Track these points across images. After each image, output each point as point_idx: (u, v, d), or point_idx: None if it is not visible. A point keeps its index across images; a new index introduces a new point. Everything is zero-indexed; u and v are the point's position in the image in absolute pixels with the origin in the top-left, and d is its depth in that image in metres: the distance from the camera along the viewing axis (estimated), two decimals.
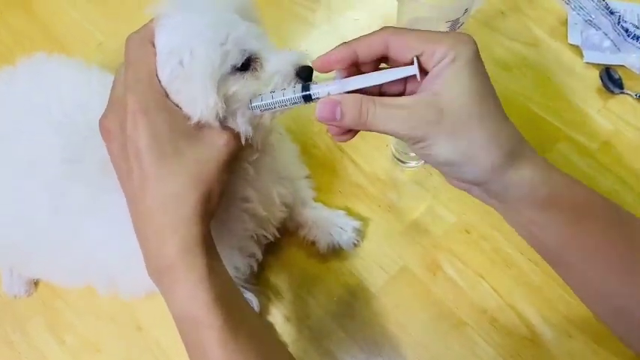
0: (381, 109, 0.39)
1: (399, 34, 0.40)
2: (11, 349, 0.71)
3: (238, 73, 0.44)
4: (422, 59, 0.39)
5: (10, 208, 0.57)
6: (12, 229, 0.57)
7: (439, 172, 0.44)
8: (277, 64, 0.45)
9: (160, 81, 0.43)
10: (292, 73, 0.45)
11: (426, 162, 0.42)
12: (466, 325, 0.66)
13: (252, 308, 0.46)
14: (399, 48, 0.40)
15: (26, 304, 0.73)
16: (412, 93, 0.41)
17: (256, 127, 0.46)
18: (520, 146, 0.40)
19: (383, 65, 0.43)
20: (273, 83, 0.45)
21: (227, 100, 0.43)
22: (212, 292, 0.41)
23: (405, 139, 0.40)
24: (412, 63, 0.39)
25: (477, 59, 0.38)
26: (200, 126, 0.43)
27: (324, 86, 0.42)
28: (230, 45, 0.43)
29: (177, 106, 0.43)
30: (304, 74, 0.45)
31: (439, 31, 0.40)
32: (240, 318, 0.43)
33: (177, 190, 0.41)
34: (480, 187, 0.42)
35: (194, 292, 0.41)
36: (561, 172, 0.41)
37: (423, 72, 0.39)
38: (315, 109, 0.41)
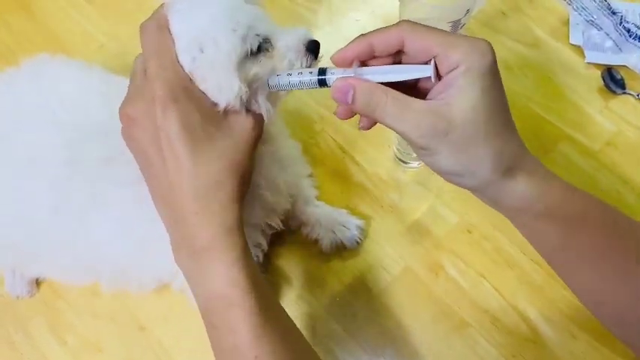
0: (392, 107, 0.39)
1: (416, 32, 0.39)
2: (13, 349, 0.71)
3: (253, 56, 0.45)
4: (437, 59, 0.39)
5: (12, 207, 0.57)
6: (15, 228, 0.57)
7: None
8: (287, 42, 0.47)
9: (183, 68, 0.43)
10: (302, 48, 0.48)
11: (425, 164, 0.43)
12: (468, 325, 0.66)
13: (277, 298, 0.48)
14: (415, 46, 0.40)
15: (28, 304, 0.73)
16: (424, 89, 0.41)
17: (274, 104, 0.48)
18: (521, 160, 0.40)
19: None
20: (287, 60, 0.47)
21: (248, 82, 0.45)
22: (246, 272, 0.42)
23: (409, 141, 0.40)
24: (428, 62, 0.40)
25: (491, 72, 0.38)
26: (227, 112, 0.44)
27: (340, 72, 0.42)
28: (244, 30, 0.44)
29: (203, 93, 0.43)
30: (312, 47, 0.48)
31: (457, 35, 0.39)
32: (268, 305, 0.44)
33: (214, 175, 0.42)
34: (475, 193, 0.43)
35: (230, 271, 0.42)
36: (561, 181, 0.42)
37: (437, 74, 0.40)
38: (331, 88, 0.42)
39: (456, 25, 0.68)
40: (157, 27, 0.44)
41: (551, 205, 0.41)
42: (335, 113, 0.44)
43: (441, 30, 0.39)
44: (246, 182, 0.45)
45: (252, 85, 0.45)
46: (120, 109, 0.44)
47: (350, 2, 0.89)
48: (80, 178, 0.52)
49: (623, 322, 0.42)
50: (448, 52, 0.38)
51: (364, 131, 0.46)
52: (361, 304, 0.69)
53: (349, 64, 0.41)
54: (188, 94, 0.42)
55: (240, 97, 0.44)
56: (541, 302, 0.66)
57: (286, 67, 0.47)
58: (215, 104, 0.43)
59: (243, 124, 0.45)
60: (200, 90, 0.43)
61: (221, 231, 0.42)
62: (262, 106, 0.47)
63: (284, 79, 0.46)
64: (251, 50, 0.45)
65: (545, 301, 0.66)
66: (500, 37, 0.82)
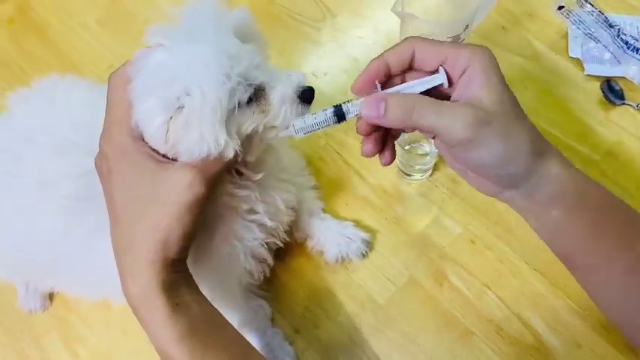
0: (431, 106, 0.40)
1: (424, 42, 0.42)
2: None
3: (245, 106, 0.45)
4: (446, 65, 0.41)
5: (24, 224, 0.58)
6: (27, 244, 0.58)
7: (469, 176, 0.45)
8: (282, 93, 0.46)
9: (133, 125, 0.43)
10: (295, 97, 0.47)
11: (462, 164, 0.44)
12: (473, 334, 0.67)
13: (233, 332, 0.48)
14: (426, 53, 0.42)
15: (40, 318, 0.75)
16: (440, 97, 0.42)
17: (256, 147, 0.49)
18: (550, 148, 0.42)
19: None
20: (282, 117, 0.46)
21: (241, 137, 0.45)
22: (176, 329, 0.42)
23: (450, 138, 0.40)
24: (436, 71, 0.42)
25: (499, 69, 0.41)
26: (166, 167, 0.43)
27: (357, 103, 0.43)
28: (235, 81, 0.42)
29: (147, 150, 0.43)
30: (306, 97, 0.47)
31: (460, 43, 0.42)
32: (212, 349, 0.44)
33: (133, 237, 0.43)
34: (512, 188, 0.43)
35: (159, 329, 0.42)
36: (583, 173, 0.43)
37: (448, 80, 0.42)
38: (361, 108, 0.42)
39: (456, 40, 0.70)
40: (118, 80, 0.45)
41: (583, 191, 0.42)
42: (362, 152, 0.45)
43: (445, 40, 0.42)
44: (173, 243, 0.42)
45: (252, 138, 0.46)
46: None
47: (353, 20, 0.91)
48: (89, 201, 0.51)
49: None
50: (456, 52, 0.40)
51: (387, 166, 0.46)
52: (367, 314, 0.70)
53: (371, 88, 0.43)
54: (128, 150, 0.43)
55: (235, 149, 0.43)
56: (545, 311, 0.67)
57: (282, 124, 0.46)
58: (157, 161, 0.43)
59: (178, 181, 0.42)
60: (144, 148, 0.43)
61: (142, 292, 0.42)
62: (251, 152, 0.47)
63: (301, 124, 0.44)
64: (239, 103, 0.43)
65: (549, 309, 0.67)
66: (500, 51, 0.84)
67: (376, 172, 0.78)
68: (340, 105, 0.43)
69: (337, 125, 0.44)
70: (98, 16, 0.99)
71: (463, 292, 0.69)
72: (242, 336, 0.49)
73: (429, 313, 0.69)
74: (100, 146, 0.45)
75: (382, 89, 0.43)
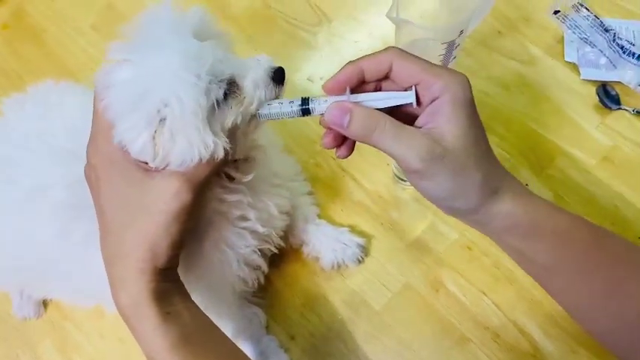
0: (391, 130, 0.40)
1: (403, 58, 0.42)
2: None
3: (223, 103, 0.44)
4: (419, 87, 0.41)
5: (17, 231, 0.58)
6: (20, 251, 0.58)
7: (426, 199, 0.46)
8: (253, 78, 0.46)
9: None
10: (269, 80, 0.46)
11: (416, 188, 0.44)
12: (469, 341, 0.67)
13: (225, 341, 0.48)
14: (402, 71, 0.42)
15: (35, 325, 0.75)
16: (403, 118, 0.42)
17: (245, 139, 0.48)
18: (507, 183, 0.42)
19: None
20: (257, 100, 0.46)
21: (227, 133, 0.45)
22: (168, 338, 0.42)
23: (404, 166, 0.41)
24: (410, 89, 0.42)
25: (472, 101, 0.41)
26: (154, 175, 0.43)
27: (324, 102, 0.43)
28: (206, 80, 0.42)
29: (132, 160, 0.43)
30: (278, 76, 0.47)
31: (439, 65, 0.42)
32: (203, 358, 0.44)
33: (122, 247, 0.43)
34: (465, 217, 0.44)
35: (151, 339, 0.42)
36: (545, 201, 0.43)
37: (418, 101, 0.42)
38: (325, 111, 0.42)
39: (451, 45, 0.69)
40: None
41: (537, 222, 0.42)
42: (322, 144, 0.44)
43: (425, 60, 0.42)
44: (161, 252, 0.42)
45: (235, 133, 0.45)
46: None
47: (348, 25, 0.91)
48: (82, 208, 0.50)
49: (615, 336, 0.43)
50: (431, 79, 0.40)
51: (342, 159, 0.47)
52: (362, 321, 0.70)
53: (342, 90, 0.42)
54: (114, 160, 0.43)
55: (224, 148, 0.43)
56: (541, 317, 0.66)
57: (258, 107, 0.46)
58: (143, 165, 0.43)
59: (165, 190, 0.42)
60: (131, 156, 0.42)
61: (132, 302, 0.42)
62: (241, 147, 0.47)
63: (266, 110, 0.46)
64: (217, 101, 0.43)
65: (544, 316, 0.66)
66: (496, 56, 0.84)
67: (372, 178, 0.78)
68: (308, 100, 0.44)
69: (302, 117, 0.45)
70: (93, 21, 0.99)
71: (459, 299, 0.69)
72: (235, 344, 0.48)
73: (425, 320, 0.68)
74: (87, 156, 0.45)
75: (352, 93, 0.42)
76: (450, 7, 0.71)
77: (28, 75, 0.96)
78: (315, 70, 0.87)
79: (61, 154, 0.56)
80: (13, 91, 0.66)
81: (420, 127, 0.41)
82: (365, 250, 0.73)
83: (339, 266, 0.72)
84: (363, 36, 0.90)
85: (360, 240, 0.72)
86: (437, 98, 0.40)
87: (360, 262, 0.72)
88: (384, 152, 0.41)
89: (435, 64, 0.41)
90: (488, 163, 0.41)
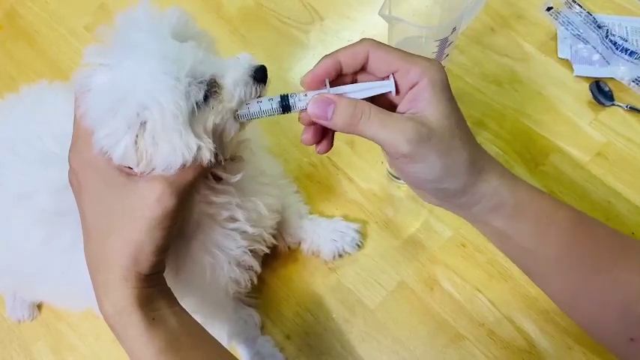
0: (376, 117, 0.40)
1: (379, 48, 0.42)
2: None
3: (203, 104, 0.43)
4: (396, 75, 0.41)
5: (5, 234, 0.56)
6: (8, 255, 0.57)
7: (410, 188, 0.46)
8: (234, 78, 0.45)
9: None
10: (250, 79, 0.45)
11: (402, 177, 0.44)
12: (464, 338, 0.66)
13: (213, 344, 0.47)
14: (379, 60, 0.42)
15: (29, 327, 0.75)
16: (385, 105, 0.42)
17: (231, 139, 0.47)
18: (491, 164, 0.43)
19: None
20: (237, 99, 0.45)
21: (209, 134, 0.44)
22: (154, 345, 0.41)
23: (392, 151, 0.40)
24: (387, 78, 0.42)
25: (449, 85, 0.41)
26: (136, 179, 0.42)
27: (304, 97, 0.43)
28: (185, 82, 0.41)
29: (114, 165, 0.42)
30: (259, 75, 0.46)
31: (414, 54, 0.41)
32: None
33: (105, 254, 0.42)
34: (452, 201, 0.44)
35: (137, 346, 0.42)
36: (528, 183, 0.44)
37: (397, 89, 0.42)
38: (308, 105, 0.41)
39: (444, 43, 0.69)
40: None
41: (522, 202, 0.42)
42: (302, 140, 0.44)
43: (400, 49, 0.42)
44: (144, 258, 0.42)
45: (217, 132, 0.44)
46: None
47: (341, 23, 0.91)
48: (68, 214, 0.48)
49: (598, 323, 0.43)
50: (409, 66, 0.40)
51: (322, 154, 0.46)
52: (358, 319, 0.69)
53: (321, 84, 0.42)
54: (96, 164, 0.42)
55: (209, 150, 0.42)
56: (536, 314, 0.66)
57: (238, 106, 0.45)
58: (127, 174, 0.42)
59: (147, 195, 0.41)
60: (113, 162, 0.41)
61: (116, 310, 0.42)
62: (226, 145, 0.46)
63: (245, 110, 0.45)
64: (197, 103, 0.42)
65: (539, 312, 0.66)
66: (489, 53, 0.84)
67: (366, 176, 0.78)
68: (287, 96, 0.43)
69: (282, 115, 0.44)
70: (86, 22, 0.99)
71: (454, 296, 0.69)
72: (224, 347, 0.48)
73: (420, 318, 0.68)
74: (69, 162, 0.44)
75: (331, 87, 0.42)
76: (442, 5, 0.71)
77: (21, 76, 0.96)
78: (307, 69, 0.86)
79: (48, 160, 0.54)
80: (6, 92, 0.65)
81: (404, 113, 0.41)
82: (362, 235, 0.73)
83: (340, 255, 0.72)
84: (356, 34, 0.89)
85: (356, 225, 0.73)
86: (415, 84, 0.40)
87: (359, 247, 0.73)
88: (371, 140, 0.41)
89: (409, 53, 0.41)
90: (473, 143, 0.42)
